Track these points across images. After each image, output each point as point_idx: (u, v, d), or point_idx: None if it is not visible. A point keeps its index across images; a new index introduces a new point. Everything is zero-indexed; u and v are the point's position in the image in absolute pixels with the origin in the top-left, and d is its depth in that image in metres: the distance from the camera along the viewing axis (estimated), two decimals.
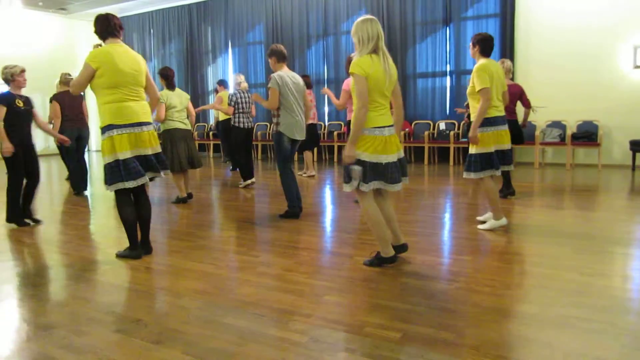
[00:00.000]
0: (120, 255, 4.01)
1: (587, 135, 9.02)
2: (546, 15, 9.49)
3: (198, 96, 13.98)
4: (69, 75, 7.27)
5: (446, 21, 10.50)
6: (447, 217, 5.35)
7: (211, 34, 13.98)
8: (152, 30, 15.20)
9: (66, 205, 6.68)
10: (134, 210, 3.92)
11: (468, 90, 4.64)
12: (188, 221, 5.39)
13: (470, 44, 4.64)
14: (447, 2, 10.40)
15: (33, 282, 3.49)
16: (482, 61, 4.51)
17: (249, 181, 7.67)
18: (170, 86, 6.35)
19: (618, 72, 8.94)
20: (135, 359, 2.29)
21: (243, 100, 7.49)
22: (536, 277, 3.36)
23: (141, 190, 3.99)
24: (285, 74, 5.22)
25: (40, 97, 11.37)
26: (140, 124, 3.81)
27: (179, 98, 6.37)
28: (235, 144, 7.71)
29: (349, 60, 5.14)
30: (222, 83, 9.77)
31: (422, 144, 10.47)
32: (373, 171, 3.42)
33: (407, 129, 10.61)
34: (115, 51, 3.72)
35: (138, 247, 3.98)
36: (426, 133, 10.37)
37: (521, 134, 6.42)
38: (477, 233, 4.56)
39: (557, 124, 9.41)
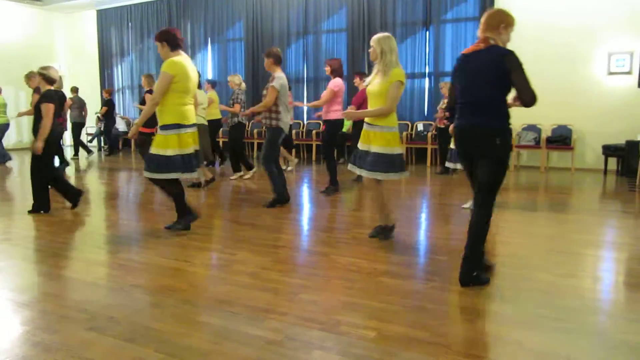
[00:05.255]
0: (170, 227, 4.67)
1: (562, 139, 9.20)
2: (523, 21, 9.52)
3: None
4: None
5: (426, 23, 10.58)
6: (423, 217, 5.39)
7: (190, 29, 13.82)
8: (130, 24, 14.95)
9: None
10: (181, 187, 4.58)
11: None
12: (163, 218, 5.32)
13: None
14: (427, 4, 10.48)
15: (2, 280, 3.41)
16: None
17: (248, 173, 8.25)
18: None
19: (593, 78, 9.12)
20: (108, 357, 2.26)
21: (244, 99, 8.26)
22: (509, 277, 3.41)
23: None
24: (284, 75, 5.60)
25: (13, 90, 11.06)
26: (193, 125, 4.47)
27: (201, 97, 7.39)
28: (238, 139, 8.23)
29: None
30: (211, 82, 9.68)
31: None
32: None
33: None
34: (186, 61, 4.34)
35: (187, 215, 4.65)
36: (404, 134, 10.44)
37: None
38: (453, 234, 4.62)
39: (532, 128, 9.57)
